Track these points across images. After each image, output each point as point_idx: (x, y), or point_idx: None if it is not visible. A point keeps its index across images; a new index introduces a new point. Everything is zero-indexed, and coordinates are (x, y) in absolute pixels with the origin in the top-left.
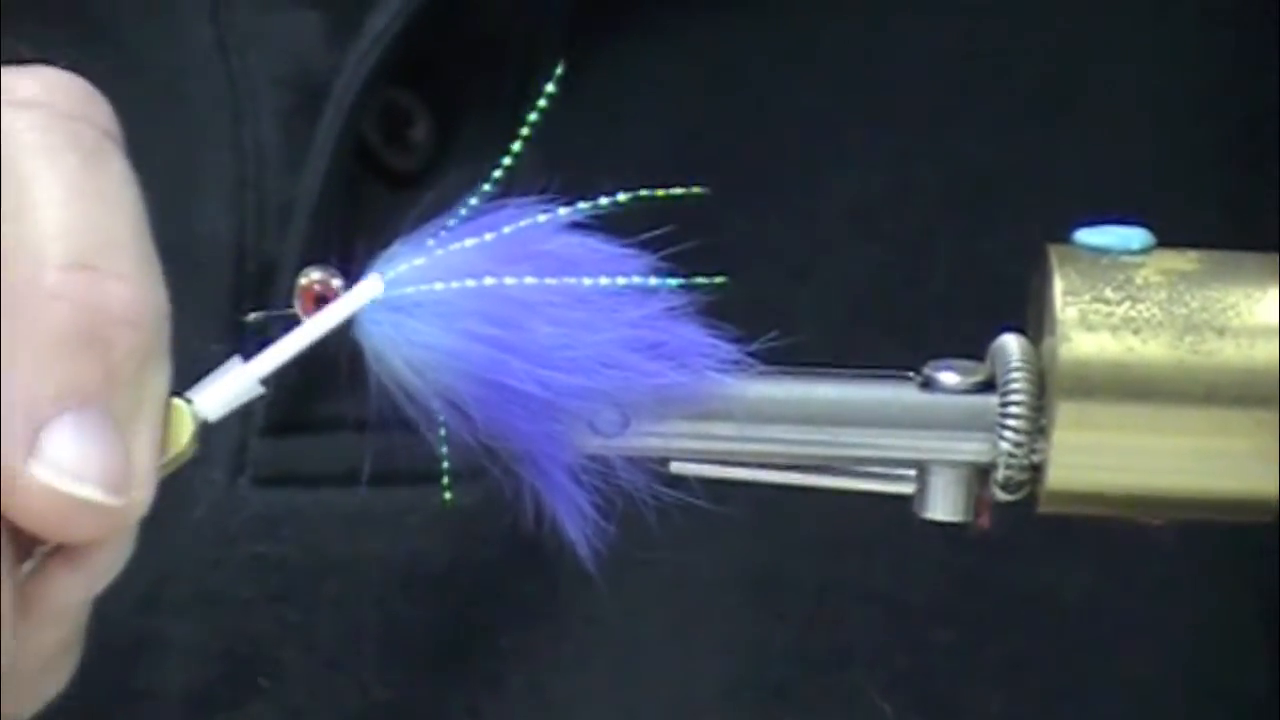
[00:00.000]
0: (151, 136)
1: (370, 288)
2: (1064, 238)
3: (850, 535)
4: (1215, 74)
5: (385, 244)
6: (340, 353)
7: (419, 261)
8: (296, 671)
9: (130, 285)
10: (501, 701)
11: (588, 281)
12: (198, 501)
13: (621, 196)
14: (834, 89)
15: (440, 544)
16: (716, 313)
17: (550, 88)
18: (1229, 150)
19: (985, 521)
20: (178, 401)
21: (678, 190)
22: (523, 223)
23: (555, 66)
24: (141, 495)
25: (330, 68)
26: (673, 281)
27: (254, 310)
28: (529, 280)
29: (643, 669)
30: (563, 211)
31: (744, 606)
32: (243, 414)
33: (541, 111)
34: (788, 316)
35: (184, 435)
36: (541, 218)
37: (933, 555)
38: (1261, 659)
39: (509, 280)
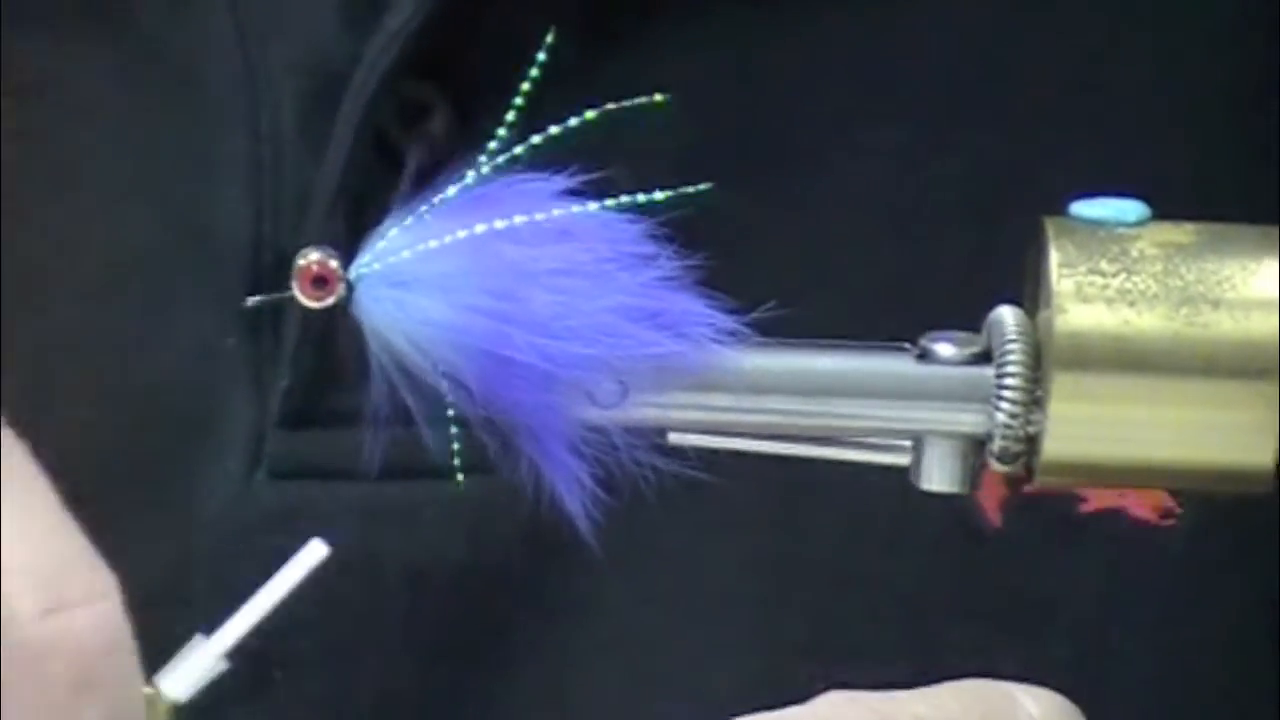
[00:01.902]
0: (169, 124)
1: (315, 552)
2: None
3: (868, 532)
4: (1232, 74)
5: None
6: (355, 346)
7: (414, 236)
8: (312, 663)
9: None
10: (517, 693)
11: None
12: (214, 494)
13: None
14: (850, 85)
15: (456, 537)
16: (730, 300)
17: (541, 56)
18: (1250, 147)
19: (997, 519)
20: (149, 691)
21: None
22: (519, 194)
23: (572, 60)
24: None
25: (349, 58)
26: (660, 198)
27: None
28: (526, 250)
29: (657, 661)
30: (558, 181)
31: (759, 600)
32: (259, 406)
33: (534, 85)
34: (801, 308)
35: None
36: (536, 187)
37: (949, 554)
38: (1270, 661)
39: (507, 249)
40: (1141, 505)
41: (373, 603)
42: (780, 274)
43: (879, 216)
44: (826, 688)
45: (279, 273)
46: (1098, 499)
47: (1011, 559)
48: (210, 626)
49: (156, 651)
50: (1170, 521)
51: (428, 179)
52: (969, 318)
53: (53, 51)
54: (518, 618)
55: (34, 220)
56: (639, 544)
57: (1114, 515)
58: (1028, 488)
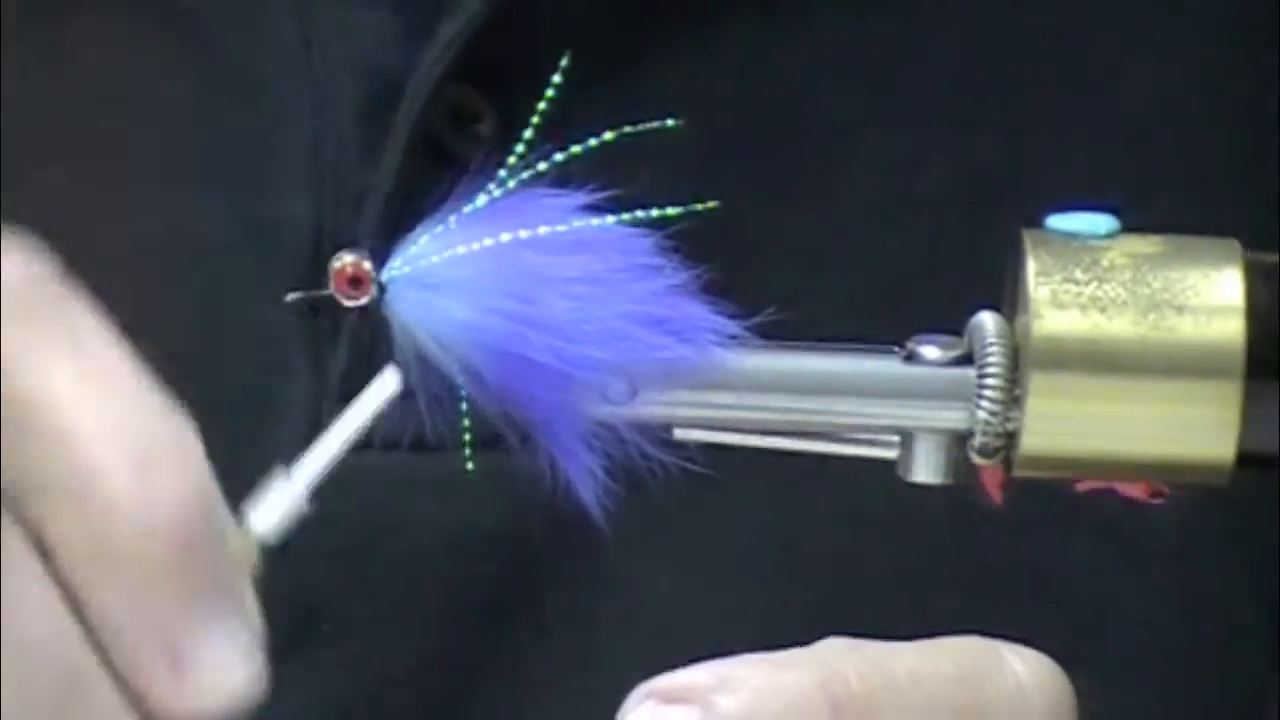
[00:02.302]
0: (235, 123)
1: (388, 383)
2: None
3: (868, 510)
4: (1230, 78)
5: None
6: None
7: (442, 242)
8: (357, 621)
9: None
10: (546, 655)
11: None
12: (274, 464)
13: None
14: (855, 93)
15: (490, 507)
16: (736, 305)
17: (557, 79)
18: (1243, 154)
19: (998, 497)
20: (239, 530)
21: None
22: (541, 206)
23: (606, 69)
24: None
25: (404, 66)
26: (670, 213)
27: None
28: (546, 258)
29: (673, 627)
30: (578, 196)
31: (768, 574)
32: (317, 382)
33: (552, 100)
34: (806, 311)
35: (253, 558)
36: (556, 201)
37: (945, 530)
38: (1259, 637)
39: (528, 257)
40: (1134, 486)
41: (411, 567)
42: (783, 280)
43: (881, 222)
44: None
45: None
46: (1091, 480)
47: (1012, 537)
48: (266, 580)
49: None
50: (1159, 501)
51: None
52: (966, 318)
53: (119, 48)
54: (548, 584)
55: (106, 210)
56: (659, 521)
57: (1107, 495)
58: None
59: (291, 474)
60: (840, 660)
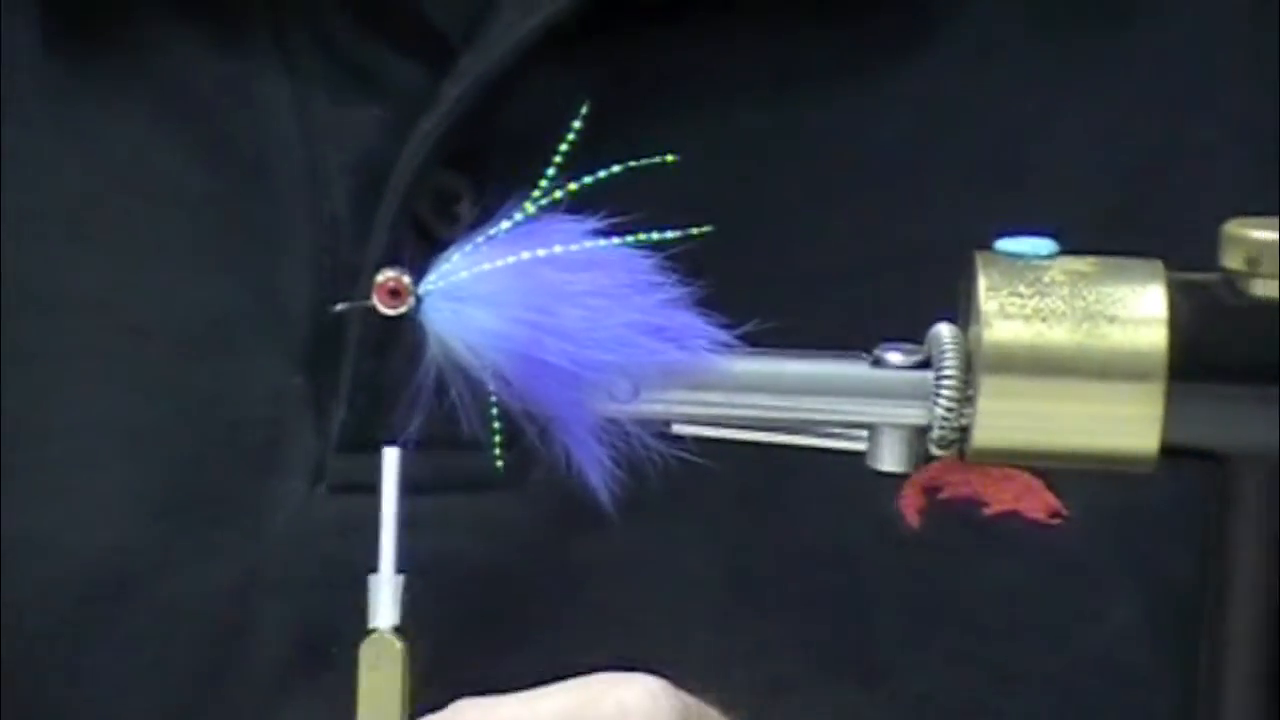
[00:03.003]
0: (243, 208)
1: (391, 458)
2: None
3: (811, 540)
4: (1145, 152)
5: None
6: (398, 387)
7: (471, 260)
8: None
9: None
10: (522, 665)
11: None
12: (282, 507)
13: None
14: (825, 149)
15: (478, 542)
16: (725, 316)
17: (565, 146)
18: (1160, 221)
19: (916, 521)
20: (381, 639)
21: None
22: (557, 230)
23: (575, 153)
24: None
25: (389, 158)
26: (657, 237)
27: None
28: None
29: (637, 641)
30: (588, 222)
31: (720, 598)
32: (320, 435)
33: (565, 157)
34: (785, 321)
35: (403, 654)
36: (570, 226)
37: (890, 559)
38: (1144, 638)
39: (545, 274)
40: (1034, 509)
41: (410, 594)
42: (766, 295)
43: (847, 257)
44: (780, 669)
45: (335, 330)
46: (997, 504)
47: (948, 558)
48: (280, 612)
49: (235, 636)
50: (1058, 520)
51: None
52: (925, 329)
53: (138, 133)
54: (527, 605)
55: (130, 284)
56: (624, 551)
57: (1013, 517)
58: (940, 491)
59: (380, 569)
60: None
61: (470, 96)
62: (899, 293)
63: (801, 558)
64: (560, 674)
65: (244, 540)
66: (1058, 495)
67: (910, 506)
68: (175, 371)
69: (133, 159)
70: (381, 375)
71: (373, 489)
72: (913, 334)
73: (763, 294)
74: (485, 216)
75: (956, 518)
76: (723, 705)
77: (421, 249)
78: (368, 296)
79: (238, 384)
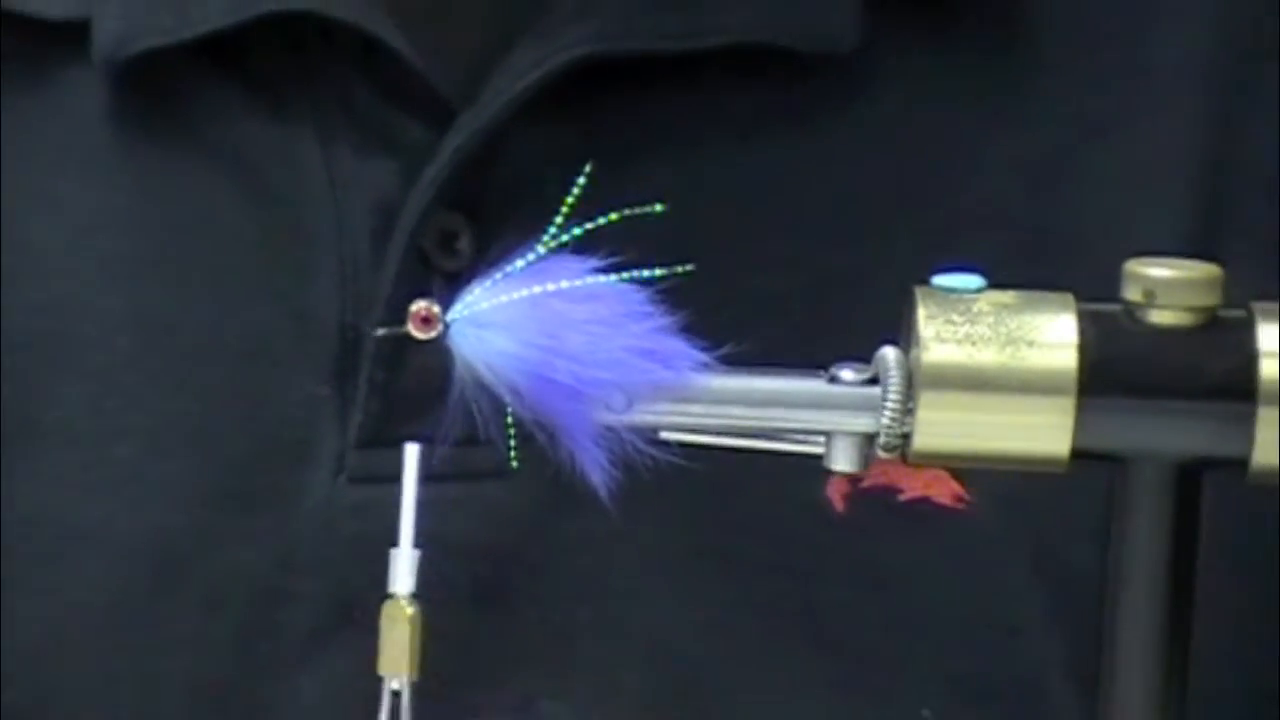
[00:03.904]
0: (281, 246)
1: (413, 453)
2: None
3: (771, 521)
4: (1051, 190)
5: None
6: (408, 390)
7: (492, 293)
8: (378, 617)
9: None
10: (517, 630)
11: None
12: (311, 494)
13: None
14: (785, 194)
15: (479, 526)
16: (704, 341)
17: (574, 195)
18: (1066, 251)
19: (841, 506)
20: (399, 605)
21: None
22: (564, 268)
23: (562, 198)
24: None
25: (400, 201)
26: (646, 276)
27: (346, 352)
28: (569, 304)
29: (619, 614)
30: (591, 261)
31: (691, 570)
32: (342, 435)
33: (572, 208)
34: (754, 344)
35: (416, 616)
36: (575, 264)
37: (828, 537)
38: (1040, 617)
39: (554, 304)
40: (943, 495)
41: (421, 569)
42: (738, 322)
43: (798, 282)
44: (739, 634)
45: (356, 344)
46: (910, 490)
47: (857, 536)
48: (311, 585)
49: (272, 603)
50: (963, 505)
51: (457, 281)
52: (874, 351)
53: (188, 183)
54: (521, 579)
55: (186, 309)
56: (609, 532)
57: (925, 503)
58: (868, 480)
59: (400, 544)
60: None
61: (467, 149)
62: (841, 312)
63: (754, 538)
64: (547, 632)
65: (279, 522)
66: (962, 484)
67: (836, 493)
68: (222, 381)
69: (190, 206)
70: (392, 385)
71: (386, 479)
72: (853, 348)
73: (731, 317)
74: (481, 251)
75: (881, 503)
76: None
77: (427, 278)
78: (391, 319)
79: (275, 392)
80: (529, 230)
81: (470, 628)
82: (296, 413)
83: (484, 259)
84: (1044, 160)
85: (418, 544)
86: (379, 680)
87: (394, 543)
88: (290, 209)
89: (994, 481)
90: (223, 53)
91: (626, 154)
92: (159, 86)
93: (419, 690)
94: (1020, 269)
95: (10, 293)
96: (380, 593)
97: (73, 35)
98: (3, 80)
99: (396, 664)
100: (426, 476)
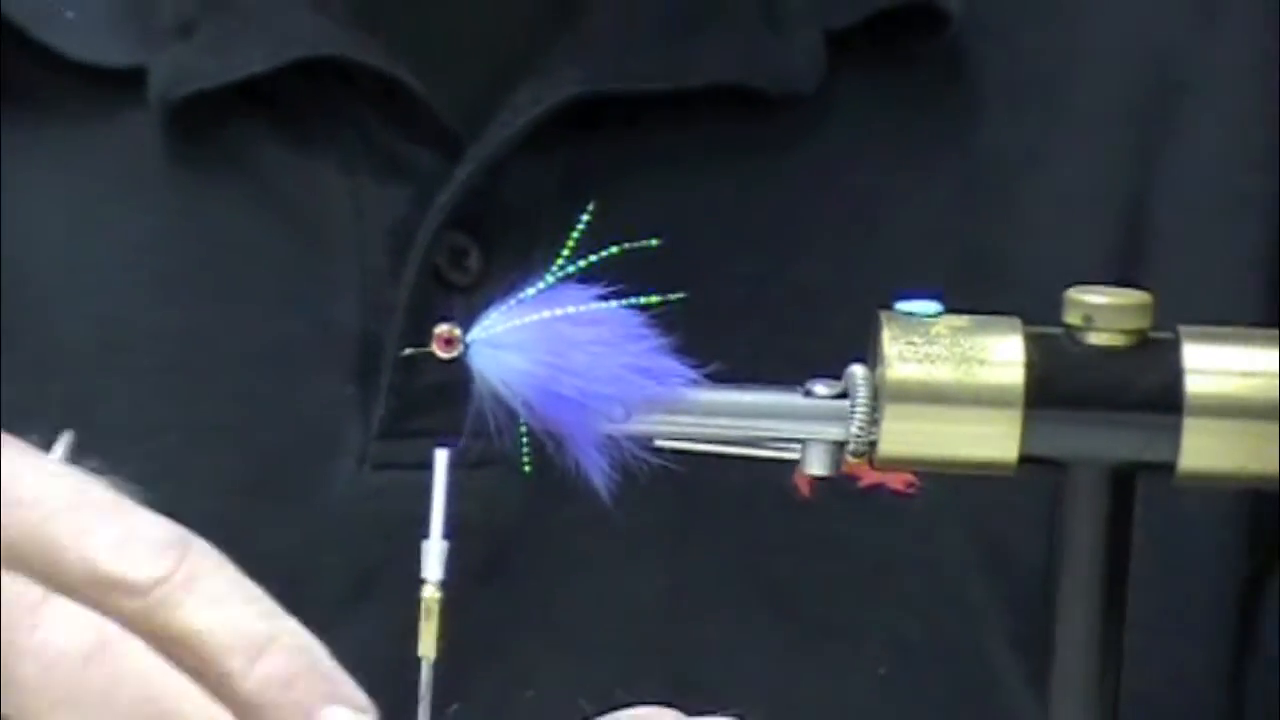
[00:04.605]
0: (310, 264)
1: (441, 458)
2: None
3: (739, 507)
4: (983, 218)
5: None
6: (422, 389)
7: (507, 317)
8: (401, 584)
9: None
10: (515, 600)
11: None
12: (338, 479)
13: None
14: (764, 220)
15: (482, 510)
16: (693, 360)
17: (578, 231)
18: (1000, 270)
19: (806, 491)
20: (429, 587)
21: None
22: (570, 295)
23: (561, 226)
24: None
25: (415, 224)
26: (641, 302)
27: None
28: (575, 327)
29: (606, 588)
30: (594, 289)
31: (669, 552)
32: (365, 428)
33: (576, 242)
34: (735, 363)
35: (438, 602)
36: (579, 291)
37: (790, 520)
38: (985, 599)
39: (561, 327)
40: (896, 482)
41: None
42: (723, 342)
43: (766, 300)
44: (705, 602)
45: (376, 353)
46: (868, 478)
47: (819, 518)
48: (340, 559)
49: (303, 578)
50: (914, 492)
51: (466, 293)
52: (844, 368)
53: (224, 209)
54: (520, 555)
55: (227, 320)
56: (599, 522)
57: (880, 488)
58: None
59: (430, 535)
60: None
61: (475, 177)
62: (803, 323)
63: (725, 519)
64: (541, 601)
65: (309, 506)
66: (915, 474)
67: (802, 481)
68: (258, 383)
69: (230, 228)
70: (408, 386)
71: (403, 466)
72: (815, 355)
73: (708, 330)
74: (488, 265)
75: (841, 489)
76: None
77: (439, 290)
78: (408, 326)
79: (304, 391)
80: (528, 248)
81: (474, 599)
82: (324, 409)
83: (489, 273)
84: (982, 190)
85: (424, 526)
86: (397, 641)
87: (410, 522)
88: (317, 230)
89: (944, 475)
90: (259, 94)
91: (614, 181)
92: (204, 124)
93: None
94: (961, 286)
95: (70, 306)
96: (398, 567)
97: (131, 80)
98: (67, 118)
99: (429, 647)
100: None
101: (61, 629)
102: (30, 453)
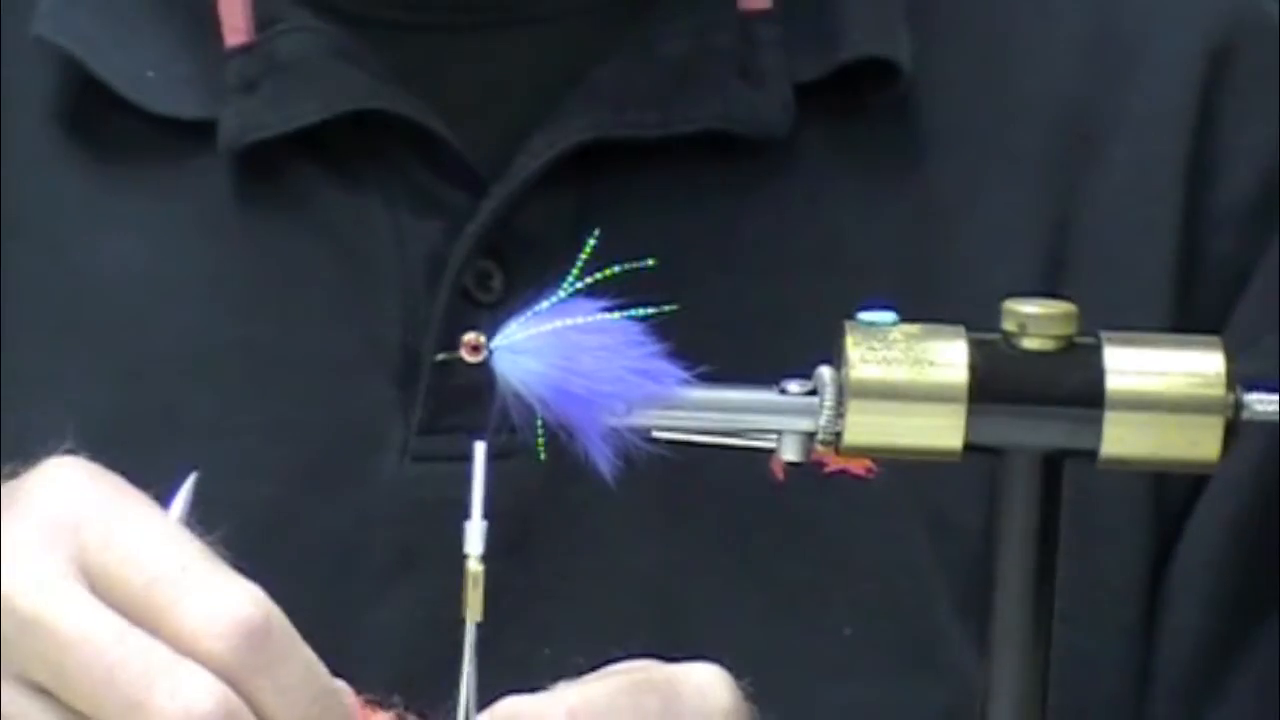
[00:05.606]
0: (357, 287)
1: (480, 450)
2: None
3: (723, 489)
4: (926, 248)
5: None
6: (455, 391)
7: (525, 326)
8: (438, 559)
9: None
10: (535, 574)
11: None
12: (383, 471)
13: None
14: (752, 238)
15: (506, 494)
16: (685, 362)
17: (585, 254)
18: (945, 290)
19: (781, 475)
20: (474, 563)
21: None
22: (580, 307)
23: (570, 249)
24: None
25: (448, 250)
26: (640, 313)
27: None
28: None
29: (612, 564)
30: (600, 302)
31: (665, 530)
32: (406, 427)
33: (584, 264)
34: (721, 364)
35: (481, 576)
36: (588, 304)
37: (766, 499)
38: (936, 579)
39: (572, 335)
40: (858, 467)
41: (456, 528)
42: (712, 346)
43: (748, 317)
44: (691, 579)
45: (416, 363)
46: (834, 464)
47: (790, 498)
48: (383, 542)
49: (353, 555)
50: (872, 475)
51: (490, 309)
52: (813, 369)
53: (293, 248)
54: (542, 535)
55: (287, 336)
56: (601, 504)
57: (843, 473)
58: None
59: (471, 517)
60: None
61: (499, 211)
62: (775, 334)
63: (712, 501)
64: (557, 575)
65: (359, 493)
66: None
67: (777, 466)
68: (314, 388)
69: (289, 258)
70: (443, 389)
71: (440, 458)
72: (785, 361)
73: (695, 341)
74: (509, 286)
75: (810, 473)
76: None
77: (468, 308)
78: (442, 339)
79: (353, 395)
80: (544, 271)
81: (500, 573)
82: (371, 410)
83: (510, 291)
84: (929, 220)
85: (457, 509)
86: (437, 610)
87: (445, 505)
88: (364, 258)
89: (899, 461)
90: (313, 141)
91: (616, 212)
92: (266, 168)
93: (462, 623)
94: (913, 301)
95: (156, 324)
96: (436, 545)
97: (203, 131)
98: (150, 163)
99: (475, 612)
100: (468, 458)
101: (203, 694)
102: (152, 511)
